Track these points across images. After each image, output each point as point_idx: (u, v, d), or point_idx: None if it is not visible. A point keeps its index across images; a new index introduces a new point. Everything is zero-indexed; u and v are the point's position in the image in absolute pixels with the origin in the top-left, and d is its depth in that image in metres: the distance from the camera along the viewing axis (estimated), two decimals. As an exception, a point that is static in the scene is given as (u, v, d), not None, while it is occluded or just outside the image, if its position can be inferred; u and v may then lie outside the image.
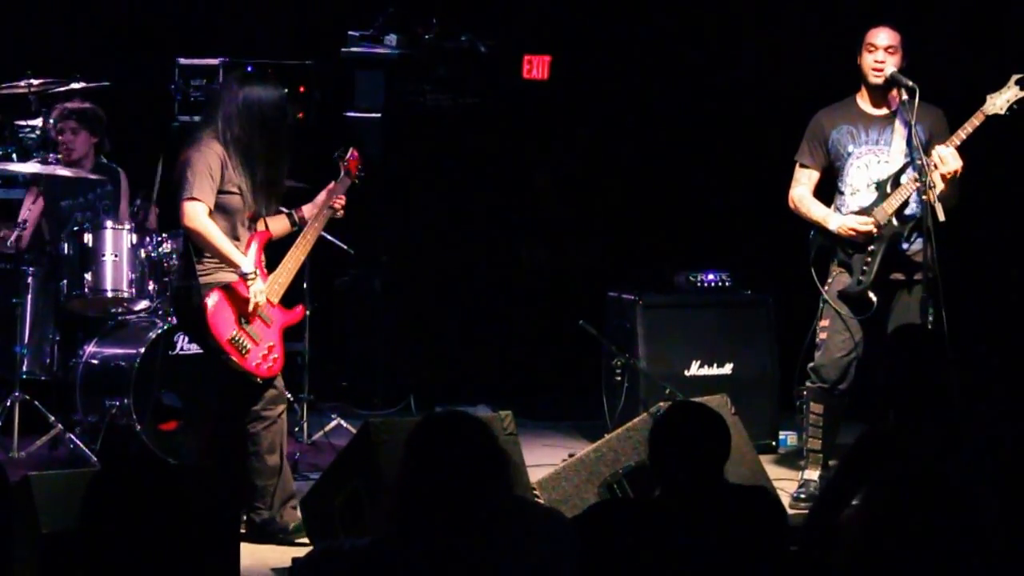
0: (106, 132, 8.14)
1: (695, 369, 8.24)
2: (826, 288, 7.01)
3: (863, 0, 8.68)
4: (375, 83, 9.31)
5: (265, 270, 6.24)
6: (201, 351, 7.10)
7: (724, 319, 8.44)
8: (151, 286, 7.65)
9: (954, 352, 5.65)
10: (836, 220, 6.96)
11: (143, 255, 7.60)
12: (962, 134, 6.72)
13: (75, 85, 8.05)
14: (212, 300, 6.05)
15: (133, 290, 7.57)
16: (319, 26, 9.50)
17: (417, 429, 3.54)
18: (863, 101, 7.04)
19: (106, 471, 4.45)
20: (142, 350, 7.44)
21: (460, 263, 9.94)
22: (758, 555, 3.97)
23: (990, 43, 8.66)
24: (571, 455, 6.37)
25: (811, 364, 7.07)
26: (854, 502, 4.45)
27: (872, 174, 6.96)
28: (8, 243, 7.83)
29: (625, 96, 9.94)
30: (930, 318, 6.60)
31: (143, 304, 7.71)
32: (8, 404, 7.47)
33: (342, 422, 8.26)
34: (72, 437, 7.47)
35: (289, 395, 6.79)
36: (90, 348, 7.69)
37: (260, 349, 6.15)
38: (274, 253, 6.35)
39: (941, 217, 6.60)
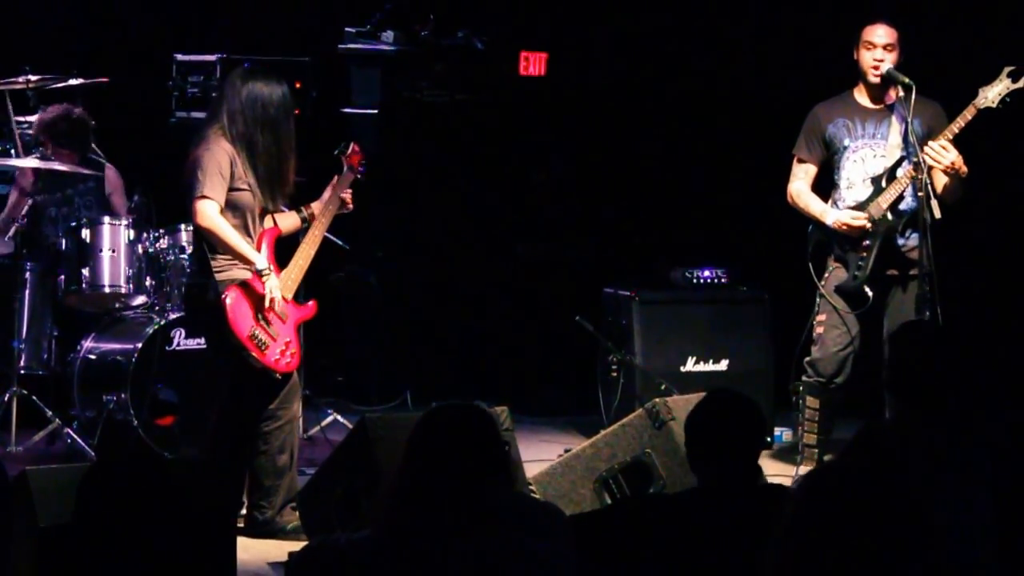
0: (89, 137, 8.06)
1: (691, 365, 8.25)
2: (823, 283, 7.03)
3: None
4: (372, 79, 9.32)
5: (277, 266, 6.25)
6: (202, 346, 7.13)
7: (720, 315, 8.45)
8: (149, 281, 7.67)
9: (950, 347, 5.66)
10: (832, 215, 6.99)
11: (141, 250, 7.62)
12: (955, 128, 6.74)
13: (73, 81, 8.05)
14: (231, 297, 6.05)
15: (131, 285, 7.59)
16: (316, 22, 9.50)
17: (426, 419, 3.53)
18: (860, 95, 7.06)
19: (99, 465, 4.47)
20: (139, 345, 7.44)
21: (456, 259, 9.94)
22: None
23: (982, 35, 8.67)
24: (567, 451, 6.39)
25: (807, 358, 7.09)
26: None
27: (868, 168, 6.98)
28: (6, 238, 7.83)
29: (621, 92, 9.95)
30: (926, 314, 6.62)
31: (140, 299, 7.73)
32: (6, 399, 7.48)
33: (338, 417, 8.28)
34: (70, 432, 7.49)
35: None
36: (88, 343, 7.70)
37: (278, 345, 6.16)
38: (280, 250, 6.36)
39: (937, 215, 6.61)
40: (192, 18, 9.32)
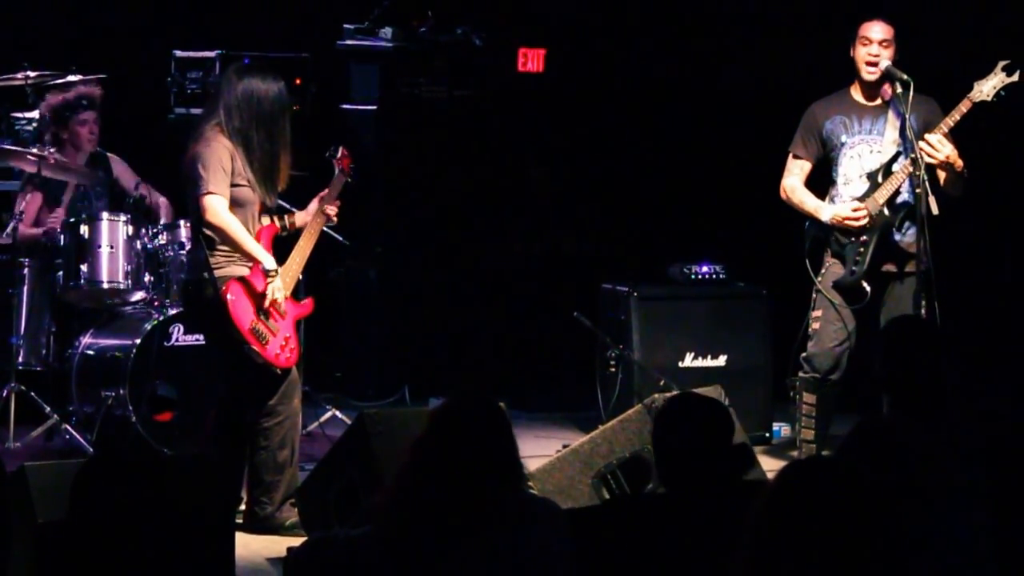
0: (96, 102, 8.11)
1: (689, 361, 8.26)
2: (819, 279, 7.04)
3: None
4: (370, 76, 9.32)
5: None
6: (200, 342, 7.13)
7: (718, 311, 8.45)
8: (147, 277, 7.67)
9: (947, 343, 5.67)
10: (828, 210, 6.99)
11: (139, 246, 7.62)
12: (950, 121, 6.76)
13: (71, 77, 8.05)
14: (232, 291, 6.07)
15: (129, 281, 7.59)
16: (315, 19, 9.50)
17: (438, 416, 3.53)
18: (856, 92, 7.07)
19: (94, 461, 4.47)
20: (138, 341, 7.44)
21: (454, 255, 9.94)
22: None
23: (976, 29, 8.67)
24: (565, 446, 6.39)
25: (804, 354, 7.10)
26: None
27: (865, 164, 6.99)
28: (4, 234, 7.83)
29: (620, 89, 9.96)
30: (922, 310, 6.62)
31: (139, 295, 7.72)
32: (4, 395, 7.47)
33: (337, 413, 8.28)
34: (68, 428, 7.49)
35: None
36: (86, 339, 7.70)
37: (278, 340, 6.18)
38: (277, 249, 6.36)
39: (935, 211, 6.63)
40: (191, 14, 9.32)
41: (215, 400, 6.38)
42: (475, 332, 9.82)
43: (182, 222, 7.62)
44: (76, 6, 9.34)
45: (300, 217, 6.48)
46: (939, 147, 6.69)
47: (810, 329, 7.07)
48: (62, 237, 7.60)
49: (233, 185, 6.08)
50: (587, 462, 6.05)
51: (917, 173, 6.67)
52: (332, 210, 6.48)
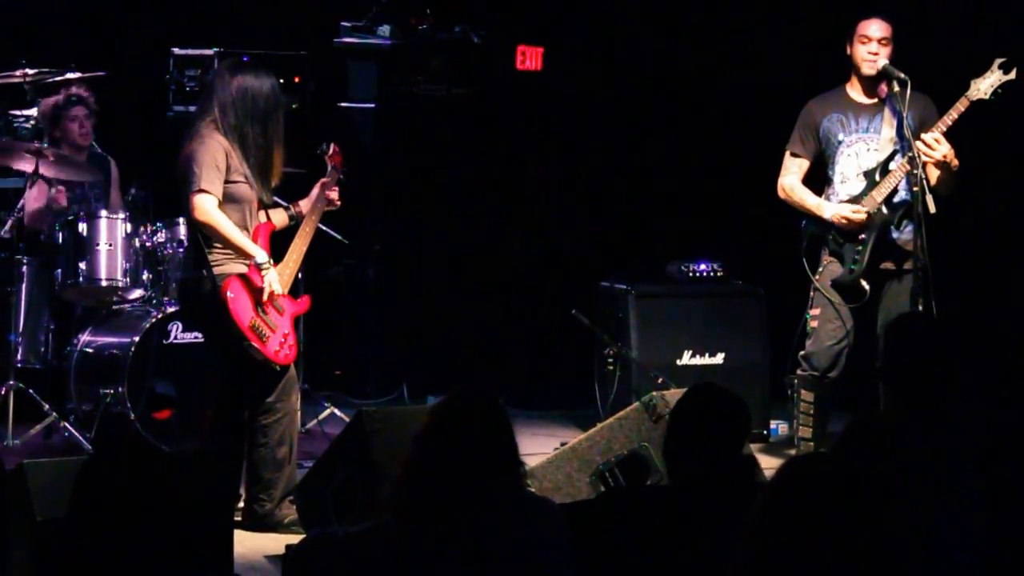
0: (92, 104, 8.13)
1: (687, 358, 8.27)
2: (817, 277, 7.04)
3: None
4: (368, 73, 9.33)
5: (272, 261, 6.26)
6: (199, 340, 7.14)
7: (716, 309, 8.46)
8: (146, 275, 7.68)
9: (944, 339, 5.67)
10: (830, 208, 6.99)
11: (138, 244, 7.63)
12: (947, 120, 6.76)
13: (70, 75, 8.05)
14: (232, 288, 6.08)
15: (128, 279, 7.60)
16: (313, 16, 9.50)
17: (439, 412, 3.53)
18: (853, 90, 7.07)
19: (95, 459, 4.47)
20: (136, 339, 7.46)
21: (453, 253, 9.95)
22: None
23: (973, 27, 8.67)
24: (563, 444, 6.40)
25: (802, 352, 7.10)
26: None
27: (862, 162, 6.99)
28: (3, 230, 7.83)
29: (618, 87, 9.96)
30: (920, 308, 6.63)
31: (137, 293, 7.74)
32: (2, 393, 7.48)
33: (335, 411, 8.28)
34: (67, 425, 7.49)
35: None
36: (85, 337, 7.71)
37: (277, 336, 6.19)
38: (273, 246, 6.37)
39: (932, 209, 6.63)
40: (189, 12, 9.33)
41: (213, 397, 6.39)
42: (473, 330, 9.83)
43: (180, 219, 7.62)
44: (75, 4, 9.34)
45: (304, 204, 6.50)
46: (935, 146, 6.70)
47: (808, 327, 7.08)
48: (60, 235, 7.60)
49: (230, 182, 6.09)
50: (585, 460, 6.05)
51: (915, 171, 6.68)
52: (333, 193, 6.50)
